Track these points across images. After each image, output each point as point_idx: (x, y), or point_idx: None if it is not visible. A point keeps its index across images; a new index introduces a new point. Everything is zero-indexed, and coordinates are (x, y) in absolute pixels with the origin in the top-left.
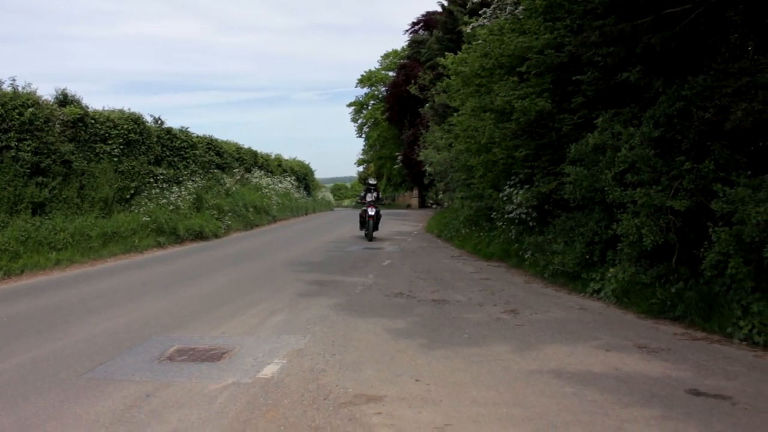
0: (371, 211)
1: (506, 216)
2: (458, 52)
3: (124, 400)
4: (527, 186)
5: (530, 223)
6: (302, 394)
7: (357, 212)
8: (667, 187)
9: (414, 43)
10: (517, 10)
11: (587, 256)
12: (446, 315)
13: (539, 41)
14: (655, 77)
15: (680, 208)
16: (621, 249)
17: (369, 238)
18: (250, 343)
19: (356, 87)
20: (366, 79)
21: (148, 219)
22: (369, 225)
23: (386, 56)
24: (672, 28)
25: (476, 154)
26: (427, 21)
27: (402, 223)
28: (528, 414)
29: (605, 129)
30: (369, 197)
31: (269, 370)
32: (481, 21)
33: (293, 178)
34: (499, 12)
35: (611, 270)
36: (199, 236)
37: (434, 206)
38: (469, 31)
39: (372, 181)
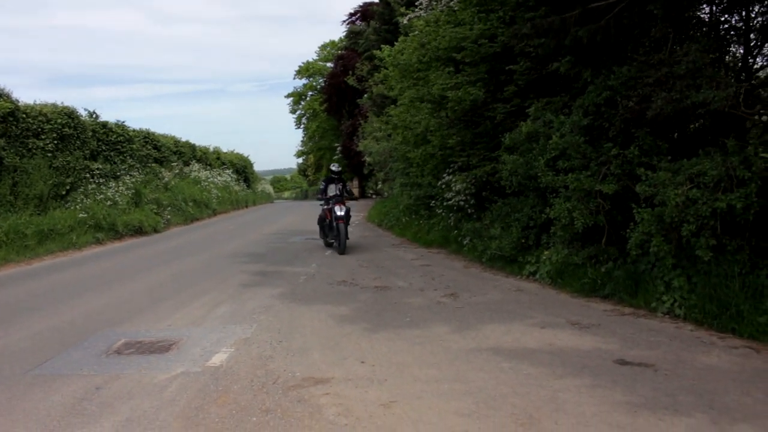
0: (340, 211)
1: (445, 204)
2: (395, 43)
3: (74, 394)
4: (465, 174)
5: (468, 210)
6: (251, 379)
7: (298, 204)
8: (596, 172)
9: (351, 34)
10: (452, 2)
11: (523, 240)
12: (388, 300)
13: (473, 32)
14: (584, 68)
15: (608, 192)
16: (554, 232)
17: (341, 249)
18: (196, 334)
19: (294, 78)
20: (304, 71)
21: (86, 215)
22: (339, 231)
23: (324, 47)
24: (598, 21)
25: (414, 145)
26: (365, 12)
27: None
28: (468, 388)
29: (537, 117)
30: (332, 190)
31: (218, 359)
32: (417, 12)
33: (232, 170)
34: (435, 3)
35: (546, 253)
36: (139, 231)
37: (374, 196)
38: (405, 22)
39: (335, 168)
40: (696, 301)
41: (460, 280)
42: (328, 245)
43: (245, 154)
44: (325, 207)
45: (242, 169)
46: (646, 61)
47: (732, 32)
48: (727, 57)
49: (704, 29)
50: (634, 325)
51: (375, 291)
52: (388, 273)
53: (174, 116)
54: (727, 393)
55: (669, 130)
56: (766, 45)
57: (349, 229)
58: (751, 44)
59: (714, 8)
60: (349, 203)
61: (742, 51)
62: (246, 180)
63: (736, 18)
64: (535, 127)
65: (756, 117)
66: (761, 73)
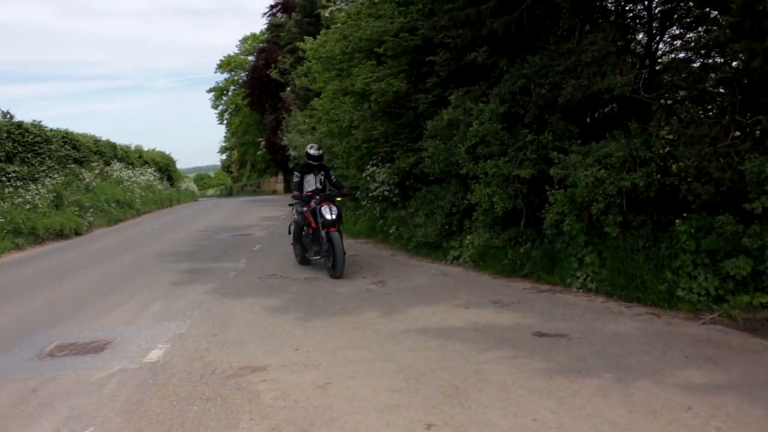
0: (329, 213)
1: (370, 194)
2: (317, 36)
3: (9, 398)
4: (389, 164)
5: (393, 200)
6: (189, 372)
7: (224, 201)
8: (514, 158)
9: (273, 27)
10: None
11: (447, 227)
12: (319, 290)
13: (394, 25)
14: (500, 57)
15: (525, 176)
16: (476, 217)
17: (337, 271)
18: (130, 332)
19: (215, 73)
20: (225, 64)
21: (3, 220)
22: (334, 245)
23: (245, 40)
24: (512, 12)
25: (339, 137)
26: (285, 4)
27: (269, 209)
28: (398, 366)
29: (458, 106)
30: (311, 182)
31: (154, 355)
32: (339, 5)
33: (155, 169)
34: None
35: (468, 237)
36: (60, 235)
37: None
38: (327, 15)
39: (315, 151)
40: (606, 275)
41: (388, 268)
42: (305, 262)
43: (168, 152)
44: (303, 209)
45: (165, 167)
46: (557, 50)
47: (637, 20)
48: (632, 44)
49: (611, 18)
50: (550, 300)
51: (305, 282)
52: (317, 265)
53: (92, 114)
54: (631, 354)
55: (580, 115)
56: (667, 32)
57: (276, 223)
58: (654, 31)
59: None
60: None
61: (646, 38)
62: (169, 178)
63: (640, 7)
64: (456, 115)
65: (662, 101)
66: (665, 59)
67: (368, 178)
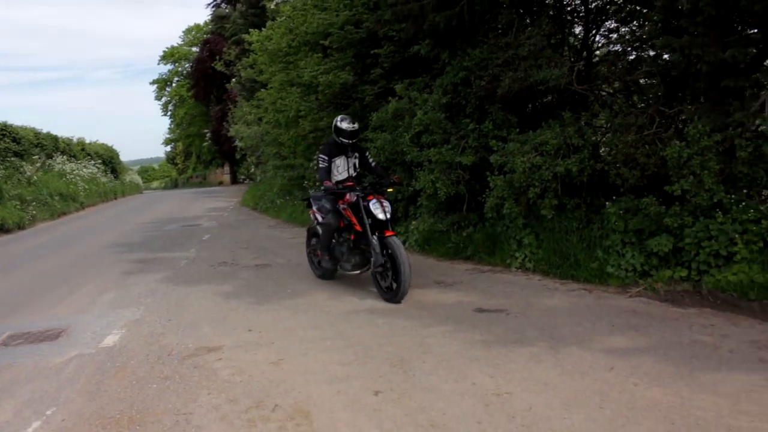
0: (381, 212)
1: (318, 183)
2: (263, 28)
3: None
4: None
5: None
6: (147, 354)
7: (169, 194)
8: (456, 146)
9: (217, 18)
10: None
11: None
12: (269, 276)
13: (339, 18)
14: (442, 50)
15: (467, 163)
16: (420, 203)
17: (402, 291)
18: (85, 320)
19: (159, 64)
20: (169, 56)
21: None
22: (394, 253)
23: (189, 31)
24: (453, 7)
25: (286, 127)
26: None
27: (216, 200)
28: (348, 343)
29: (402, 96)
30: (343, 168)
31: (110, 340)
32: None
33: (99, 161)
34: None
35: (413, 223)
36: (2, 229)
37: (247, 181)
38: (273, 7)
39: (348, 125)
40: (542, 255)
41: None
42: (329, 276)
43: (111, 144)
44: (335, 206)
45: (109, 159)
46: (496, 43)
47: (574, 14)
48: (570, 37)
49: (550, 12)
50: (491, 279)
51: (256, 269)
52: (266, 252)
53: (33, 106)
54: (564, 326)
55: (519, 105)
56: (603, 25)
57: (224, 214)
58: (590, 25)
59: None
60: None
61: (583, 31)
62: (113, 171)
63: (578, 1)
64: (401, 106)
65: (598, 92)
66: (601, 51)
67: (315, 167)
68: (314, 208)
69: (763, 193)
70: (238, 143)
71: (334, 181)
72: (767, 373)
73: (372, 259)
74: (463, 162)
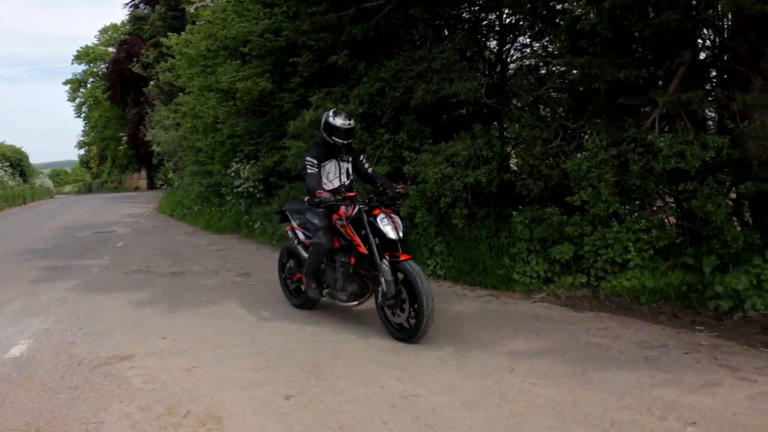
0: (393, 229)
1: (235, 190)
2: (182, 31)
3: None
4: (253, 161)
5: (258, 196)
6: (56, 364)
7: (82, 199)
8: (372, 156)
9: (135, 19)
10: None
11: None
12: (185, 284)
13: (259, 26)
14: (360, 61)
15: (382, 172)
16: None
17: (423, 329)
18: None
19: (73, 64)
20: (84, 55)
21: None
22: (413, 281)
23: (105, 31)
24: (370, 19)
25: (204, 133)
26: None
27: (132, 206)
28: (261, 349)
29: (319, 106)
30: (334, 174)
31: (17, 350)
32: (204, 1)
33: (6, 164)
34: None
35: None
36: None
37: (164, 186)
38: (192, 10)
39: (343, 122)
40: (453, 263)
41: (253, 261)
42: (310, 304)
43: (19, 146)
44: (319, 222)
45: (17, 162)
46: (410, 56)
47: (489, 29)
48: (485, 51)
49: (466, 26)
50: None
51: (171, 276)
52: (183, 259)
53: None
54: (470, 331)
55: (434, 117)
56: (517, 40)
57: (140, 220)
58: (505, 39)
59: (473, 8)
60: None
61: (497, 46)
62: (22, 174)
63: (492, 16)
64: (317, 115)
65: (511, 105)
66: (515, 65)
67: (233, 174)
68: (294, 223)
69: (657, 203)
70: (155, 148)
71: (326, 194)
72: (651, 370)
73: (379, 289)
74: (378, 172)
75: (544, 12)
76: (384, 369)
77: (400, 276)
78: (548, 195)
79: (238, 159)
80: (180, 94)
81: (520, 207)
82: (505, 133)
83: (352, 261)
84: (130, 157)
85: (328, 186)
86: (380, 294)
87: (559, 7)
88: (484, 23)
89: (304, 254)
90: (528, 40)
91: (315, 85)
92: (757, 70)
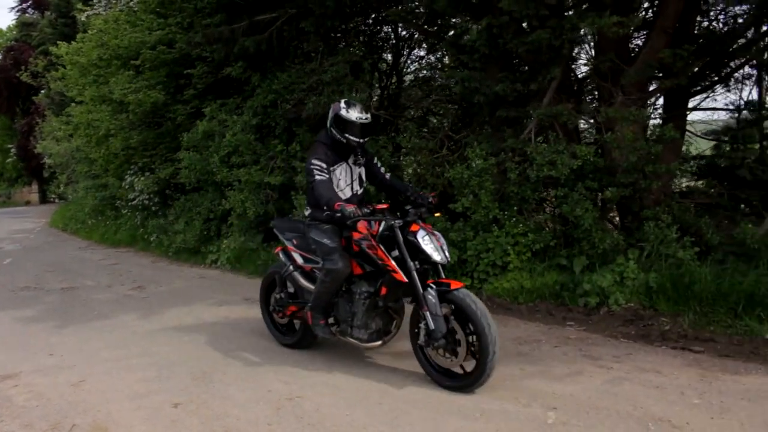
0: (437, 249)
1: (130, 203)
2: (74, 39)
3: None
4: (148, 173)
5: (153, 208)
6: None
7: None
8: (265, 166)
9: (23, 25)
10: (132, 2)
11: (205, 232)
12: (76, 299)
13: (152, 37)
14: (254, 73)
15: (276, 183)
16: (231, 222)
17: (486, 373)
18: None
19: None
20: None
21: None
22: (473, 318)
23: None
24: (263, 32)
25: (97, 145)
26: (37, 0)
27: (22, 221)
28: (153, 360)
29: (213, 117)
30: (345, 182)
31: None
32: (96, 9)
33: None
34: (114, 1)
35: (225, 241)
36: None
37: (57, 200)
38: (84, 19)
39: (359, 115)
40: None
41: (147, 274)
42: (303, 343)
43: None
44: (330, 243)
45: None
46: (302, 69)
47: (385, 42)
48: (381, 63)
49: (362, 39)
50: None
51: (62, 292)
52: (75, 274)
53: None
54: None
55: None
56: (413, 53)
57: (30, 236)
58: (401, 52)
59: (368, 21)
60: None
61: (392, 58)
62: None
63: (389, 29)
64: (211, 127)
65: (400, 116)
66: (410, 77)
67: (128, 187)
68: (288, 244)
69: (541, 209)
70: (47, 160)
71: (339, 206)
72: (522, 363)
73: (421, 326)
74: (271, 182)
75: (435, 27)
76: (273, 374)
77: (458, 310)
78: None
79: (132, 171)
80: (72, 104)
81: None
82: (397, 142)
83: (383, 292)
84: (20, 169)
85: (343, 192)
86: (422, 333)
87: (445, 23)
88: (380, 36)
89: (305, 282)
90: (423, 52)
91: (210, 97)
92: (618, 86)
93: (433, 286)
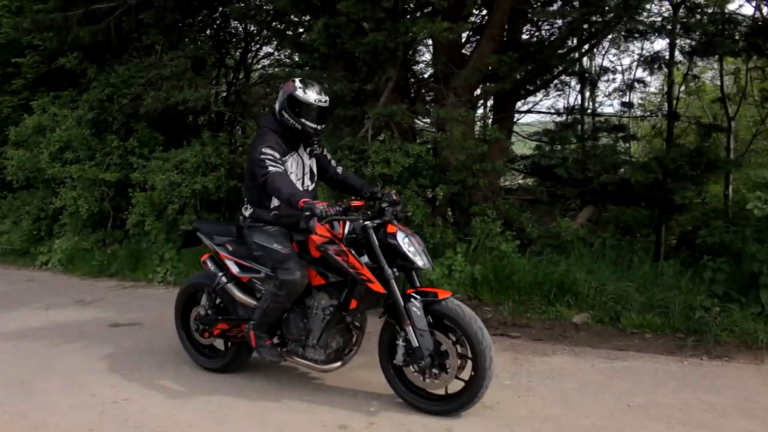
0: (419, 253)
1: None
2: None
3: None
4: None
5: None
6: None
7: None
8: (101, 162)
9: None
10: None
11: (35, 232)
12: None
13: None
14: (90, 65)
15: (111, 180)
16: (63, 221)
17: (469, 404)
18: None
19: None
20: None
21: None
22: (469, 336)
23: None
24: (100, 22)
25: None
26: None
27: None
28: None
29: (45, 110)
30: (297, 175)
31: None
32: None
33: None
34: None
35: (57, 242)
36: None
37: None
38: None
39: (317, 96)
40: (183, 269)
41: None
42: (236, 366)
43: None
44: (282, 248)
45: None
46: (141, 62)
47: (233, 38)
48: (229, 59)
49: (208, 33)
50: (132, 295)
51: None
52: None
53: None
54: None
55: (170, 124)
56: (262, 50)
57: None
58: (249, 48)
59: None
60: None
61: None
62: None
63: (236, 25)
64: (42, 120)
65: (241, 112)
66: (258, 73)
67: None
68: (220, 251)
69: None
70: None
71: (275, 204)
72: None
73: (398, 342)
74: (107, 179)
75: (282, 25)
76: (99, 378)
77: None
78: None
79: None
80: None
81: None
82: (234, 139)
83: (353, 305)
84: None
85: (298, 180)
86: (400, 351)
87: (288, 21)
88: (227, 30)
89: (242, 296)
90: (272, 49)
91: (42, 89)
92: (450, 87)
93: (417, 297)
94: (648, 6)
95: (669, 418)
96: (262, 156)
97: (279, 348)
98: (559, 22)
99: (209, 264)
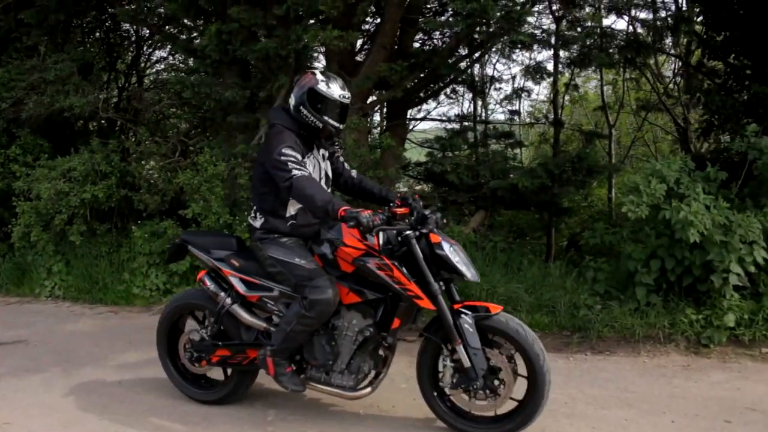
0: (466, 265)
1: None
2: None
3: None
4: None
5: None
6: None
7: None
8: None
9: None
10: None
11: None
12: None
13: None
14: None
15: None
16: None
17: (529, 422)
18: None
19: None
20: None
21: None
22: (532, 362)
23: None
24: None
25: None
26: None
27: None
28: None
29: None
30: (312, 168)
31: None
32: None
33: None
34: None
35: None
36: None
37: None
38: None
39: (341, 92)
40: (72, 282)
41: None
42: (234, 397)
43: None
44: (306, 263)
45: None
46: (22, 64)
47: (125, 41)
48: (120, 62)
49: (97, 35)
50: (17, 311)
51: None
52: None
53: None
54: (82, 348)
55: (56, 130)
56: (154, 54)
57: None
58: (141, 51)
59: (103, 17)
60: None
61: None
62: None
63: (128, 27)
64: None
65: (132, 119)
66: (151, 78)
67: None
68: (225, 266)
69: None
70: None
71: (291, 212)
72: None
73: (456, 365)
74: None
75: (176, 29)
76: None
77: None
78: (167, 209)
79: None
80: None
81: (139, 221)
82: (125, 147)
83: (396, 324)
84: None
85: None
86: (449, 373)
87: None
88: (118, 33)
89: (249, 317)
90: (166, 53)
91: None
92: None
93: (468, 312)
94: (531, 19)
95: (555, 413)
96: (283, 158)
97: (296, 380)
98: (448, 31)
99: (208, 282)
